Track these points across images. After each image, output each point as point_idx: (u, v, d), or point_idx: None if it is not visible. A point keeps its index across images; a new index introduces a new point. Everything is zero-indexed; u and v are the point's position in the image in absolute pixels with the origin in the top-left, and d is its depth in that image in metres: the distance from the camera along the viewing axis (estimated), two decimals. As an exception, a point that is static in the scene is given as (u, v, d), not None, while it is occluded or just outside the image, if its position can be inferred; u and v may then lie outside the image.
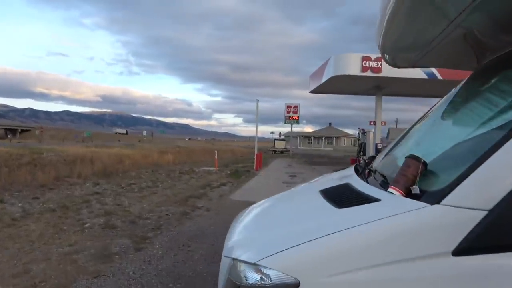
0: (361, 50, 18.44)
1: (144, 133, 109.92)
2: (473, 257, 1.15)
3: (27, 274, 3.89)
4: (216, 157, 18.45)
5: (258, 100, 19.37)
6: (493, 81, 1.78)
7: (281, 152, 44.47)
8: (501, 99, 1.50)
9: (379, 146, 21.54)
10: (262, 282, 1.33)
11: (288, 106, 41.09)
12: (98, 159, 14.90)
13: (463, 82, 2.34)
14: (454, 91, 2.37)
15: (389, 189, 1.40)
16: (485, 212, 1.14)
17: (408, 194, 1.34)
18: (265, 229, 1.63)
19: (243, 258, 1.46)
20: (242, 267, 1.46)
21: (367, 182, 1.71)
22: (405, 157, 1.43)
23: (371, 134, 21.88)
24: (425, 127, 2.15)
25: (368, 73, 17.59)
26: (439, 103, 2.45)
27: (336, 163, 27.17)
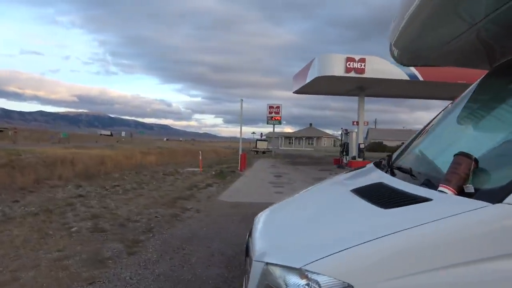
0: (339, 52, 18.78)
1: (123, 133, 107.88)
2: None
3: (17, 281, 3.67)
4: (200, 158, 18.22)
5: (242, 100, 19.28)
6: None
7: (263, 152, 44.46)
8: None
9: (362, 146, 21.85)
10: None
11: (270, 107, 41.15)
12: (79, 160, 14.44)
13: (479, 82, 2.32)
14: (470, 90, 2.35)
15: (440, 188, 1.34)
16: None
17: (460, 192, 1.28)
18: (303, 231, 1.54)
19: (283, 262, 1.36)
20: (281, 272, 1.37)
21: (403, 180, 1.65)
22: (454, 155, 1.37)
23: (354, 134, 22.16)
24: (451, 125, 2.11)
25: (352, 74, 17.79)
26: (456, 103, 2.42)
27: (319, 163, 27.36)
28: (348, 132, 22.64)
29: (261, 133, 57.48)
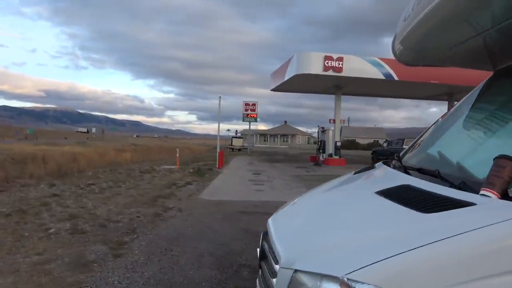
0: (314, 51, 18.79)
1: (93, 130, 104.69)
2: None
3: (-5, 289, 3.41)
4: (177, 155, 17.90)
5: (220, 97, 19.09)
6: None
7: (239, 150, 44.37)
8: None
9: (339, 144, 22.15)
10: None
11: (246, 104, 40.97)
12: (50, 158, 13.81)
13: (485, 83, 2.34)
14: (477, 91, 2.36)
15: (482, 192, 1.30)
16: None
17: (504, 196, 1.25)
18: (332, 235, 1.46)
19: (319, 270, 1.29)
20: (315, 280, 1.29)
21: (431, 182, 1.61)
22: (495, 158, 1.33)
23: (331, 132, 22.43)
24: (465, 125, 2.10)
25: (330, 72, 17.96)
26: (463, 103, 2.43)
27: (295, 161, 27.56)
28: (325, 130, 22.89)
29: (236, 131, 57.35)
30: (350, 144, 59.01)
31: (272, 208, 8.86)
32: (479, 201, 1.29)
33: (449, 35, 2.19)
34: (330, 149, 22.40)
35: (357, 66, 18.30)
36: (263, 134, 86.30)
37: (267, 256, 1.81)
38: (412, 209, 1.38)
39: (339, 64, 17.76)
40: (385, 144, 28.28)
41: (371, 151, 29.29)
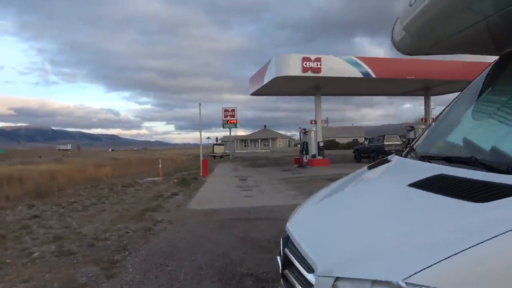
0: (289, 53, 18.83)
1: (69, 146, 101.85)
2: None
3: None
4: (160, 166, 17.50)
5: (200, 104, 18.83)
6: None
7: (221, 157, 44.06)
8: None
9: (321, 144, 22.22)
10: None
11: (226, 110, 40.78)
12: (27, 177, 13.22)
13: (492, 68, 2.27)
14: (484, 76, 2.29)
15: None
16: None
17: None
18: (372, 236, 1.31)
19: (370, 276, 1.13)
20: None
21: (467, 169, 1.48)
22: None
23: (313, 133, 22.49)
24: (485, 110, 2.00)
25: (309, 74, 18.00)
26: (472, 89, 2.35)
27: (279, 164, 27.49)
28: (307, 131, 22.93)
29: (217, 138, 56.97)
30: (330, 144, 59.58)
31: (265, 213, 8.71)
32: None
33: (455, 21, 2.12)
34: (313, 150, 22.44)
35: (335, 66, 18.43)
36: (243, 140, 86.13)
37: (292, 264, 1.64)
38: (463, 200, 1.25)
39: (317, 65, 17.83)
40: (366, 142, 28.61)
41: (353, 149, 29.58)
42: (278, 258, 1.90)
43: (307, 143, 22.82)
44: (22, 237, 6.32)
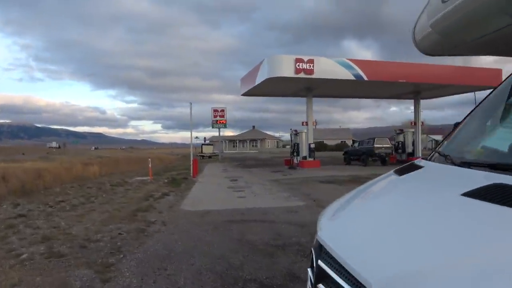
0: (278, 54, 18.61)
1: (54, 143, 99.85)
2: None
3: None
4: (150, 165, 17.19)
5: (191, 103, 18.58)
6: None
7: (209, 157, 43.72)
8: None
9: (312, 146, 22.19)
10: None
11: (215, 110, 40.56)
12: (11, 175, 12.76)
13: None
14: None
15: None
16: None
17: None
18: (441, 249, 1.16)
19: None
20: None
21: None
22: None
23: (304, 135, 22.45)
24: None
25: (302, 75, 17.94)
26: (500, 92, 2.25)
27: (268, 165, 27.39)
28: (298, 133, 22.88)
29: (205, 138, 56.50)
30: (319, 146, 59.73)
31: (259, 215, 8.55)
32: None
33: (488, 22, 2.04)
34: (304, 151, 22.39)
35: (327, 68, 18.42)
36: (232, 140, 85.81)
37: (328, 278, 1.50)
38: None
39: (310, 66, 17.78)
40: (356, 144, 28.71)
41: (343, 152, 29.66)
42: (309, 270, 1.74)
43: (298, 145, 22.77)
44: (8, 237, 6.05)
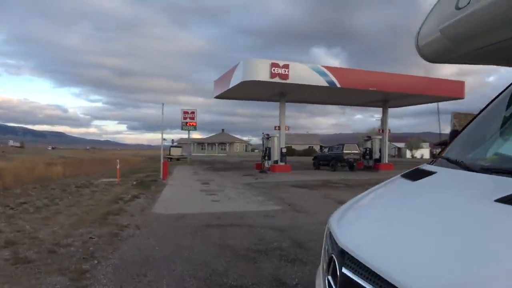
0: (257, 58, 18.55)
1: (11, 142, 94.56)
2: None
3: None
4: (118, 167, 16.57)
5: (163, 104, 18.17)
6: None
7: (178, 159, 42.91)
8: None
9: (284, 150, 22.30)
10: None
11: (185, 112, 39.95)
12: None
13: None
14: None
15: None
16: None
17: None
18: (485, 259, 1.11)
19: None
20: None
21: None
22: None
23: (276, 139, 22.51)
24: None
25: (277, 80, 17.99)
26: (503, 98, 2.29)
27: (239, 168, 27.27)
28: (270, 137, 22.92)
29: (173, 140, 55.43)
30: (288, 151, 60.32)
31: (236, 219, 8.42)
32: None
33: (502, 31, 2.05)
34: (275, 155, 22.45)
35: (302, 74, 18.59)
36: (200, 143, 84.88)
37: (356, 286, 1.41)
38: None
39: (285, 71, 17.87)
40: (326, 150, 29.17)
41: (313, 157, 30.04)
42: (330, 278, 1.63)
43: (269, 149, 22.80)
44: (-34, 241, 5.56)
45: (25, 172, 15.57)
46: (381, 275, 1.28)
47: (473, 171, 1.79)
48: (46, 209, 8.61)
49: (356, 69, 21.06)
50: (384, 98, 24.16)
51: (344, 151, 24.53)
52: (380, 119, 29.13)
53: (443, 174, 1.90)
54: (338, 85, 19.08)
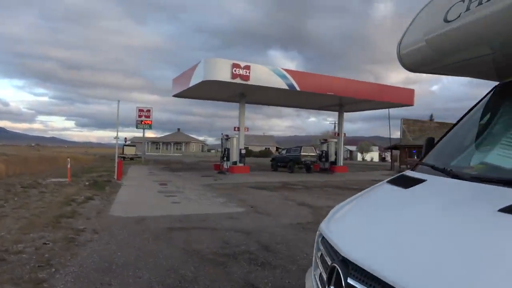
0: (205, 58, 18.22)
1: None
2: None
3: None
4: (69, 166, 15.65)
5: (119, 101, 17.44)
6: None
7: (131, 159, 41.46)
8: None
9: (243, 151, 22.28)
10: None
11: (140, 110, 38.75)
12: None
13: (493, 92, 2.41)
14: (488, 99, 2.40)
15: None
16: None
17: None
18: (495, 273, 1.11)
19: None
20: None
21: None
22: None
23: (235, 140, 22.43)
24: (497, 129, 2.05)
25: (238, 80, 17.94)
26: (480, 108, 2.42)
27: (196, 169, 26.87)
28: (229, 138, 22.80)
29: (125, 138, 53.43)
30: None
31: (199, 222, 8.26)
32: None
33: (481, 47, 2.17)
34: (234, 156, 22.38)
35: (262, 76, 18.69)
36: (155, 142, 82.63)
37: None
38: None
39: (246, 72, 17.86)
40: (284, 152, 29.56)
41: (271, 158, 30.31)
42: None
43: (228, 150, 22.68)
44: None
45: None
46: (393, 285, 1.27)
47: (462, 179, 1.84)
48: (-11, 212, 7.90)
49: (316, 74, 21.55)
50: (340, 102, 24.96)
51: (302, 153, 25.00)
52: (334, 122, 30.11)
53: (435, 182, 1.94)
54: (298, 88, 19.41)
